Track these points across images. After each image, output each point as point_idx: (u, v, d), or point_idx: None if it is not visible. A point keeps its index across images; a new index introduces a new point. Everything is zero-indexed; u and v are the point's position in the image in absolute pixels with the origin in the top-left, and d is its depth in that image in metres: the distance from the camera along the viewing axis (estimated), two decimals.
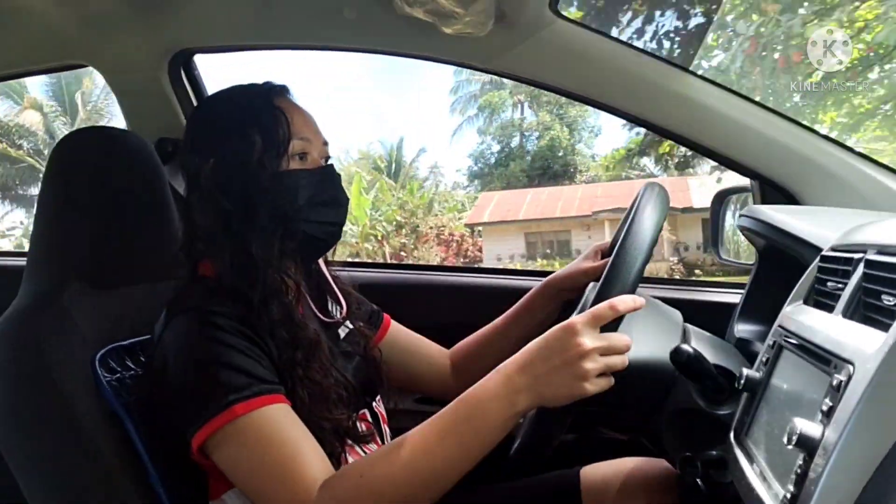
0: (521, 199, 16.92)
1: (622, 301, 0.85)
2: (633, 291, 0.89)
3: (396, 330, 1.31)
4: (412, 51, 1.42)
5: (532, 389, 0.85)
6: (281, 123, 1.01)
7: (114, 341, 1.06)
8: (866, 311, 0.63)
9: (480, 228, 16.69)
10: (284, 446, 0.88)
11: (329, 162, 1.09)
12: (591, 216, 15.05)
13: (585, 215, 15.18)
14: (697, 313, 1.11)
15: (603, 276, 0.92)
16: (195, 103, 1.52)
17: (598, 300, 0.88)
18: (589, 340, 0.84)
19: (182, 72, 1.49)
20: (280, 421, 0.90)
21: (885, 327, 0.55)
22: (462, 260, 15.78)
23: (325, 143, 1.08)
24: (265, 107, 1.03)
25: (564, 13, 1.31)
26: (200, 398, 0.90)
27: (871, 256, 0.64)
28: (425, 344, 1.32)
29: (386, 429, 1.16)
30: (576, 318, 0.86)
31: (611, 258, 0.93)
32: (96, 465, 0.97)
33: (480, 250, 16.40)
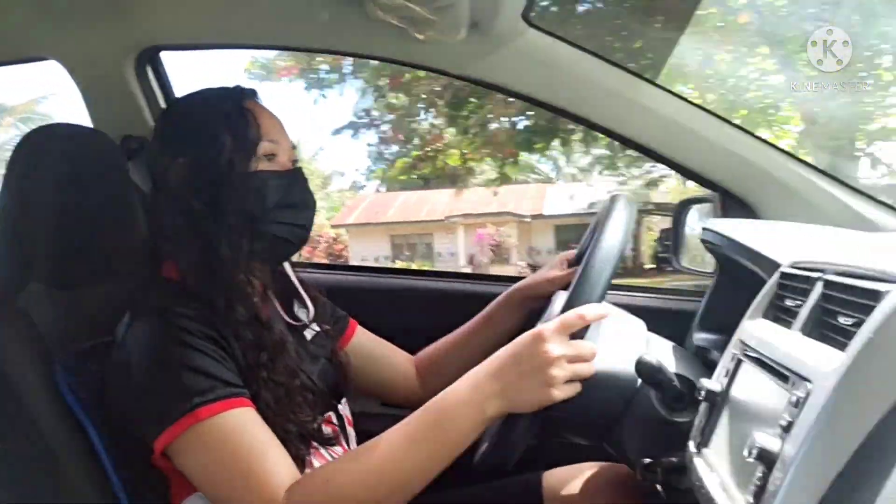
0: (392, 202, 17.20)
1: (590, 310, 0.88)
2: (600, 301, 0.91)
3: (362, 335, 1.31)
4: (384, 54, 1.43)
5: (501, 395, 0.87)
6: (251, 125, 1.02)
7: (75, 343, 1.04)
8: (824, 329, 0.66)
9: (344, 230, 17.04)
10: (249, 451, 0.87)
11: (297, 164, 1.09)
12: (444, 220, 15.45)
13: (441, 220, 15.53)
14: (658, 320, 1.14)
15: (572, 285, 0.93)
16: (161, 101, 1.49)
17: (566, 308, 0.90)
18: (557, 348, 0.86)
19: (149, 69, 1.47)
20: (245, 425, 0.89)
21: (841, 346, 0.57)
22: (329, 259, 15.91)
23: (294, 147, 1.09)
24: (235, 109, 1.03)
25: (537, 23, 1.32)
26: (164, 401, 0.89)
27: (830, 277, 0.67)
28: (391, 350, 1.33)
29: (351, 431, 1.16)
30: (545, 326, 0.88)
31: (579, 268, 0.95)
32: (56, 469, 0.95)
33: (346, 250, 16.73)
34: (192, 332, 0.92)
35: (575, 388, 0.88)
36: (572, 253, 1.28)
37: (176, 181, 1.01)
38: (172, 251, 1.03)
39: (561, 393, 0.86)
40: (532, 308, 1.27)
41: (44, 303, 1.04)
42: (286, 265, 1.19)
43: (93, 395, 1.02)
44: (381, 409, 1.61)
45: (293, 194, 1.05)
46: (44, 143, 1.09)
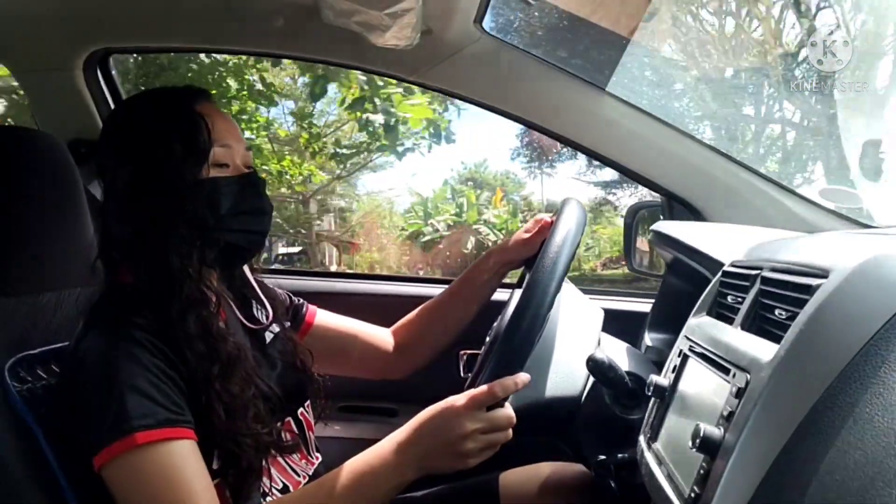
0: None
1: (502, 387, 0.89)
2: (521, 365, 0.91)
3: (327, 319, 1.30)
4: (339, 59, 1.43)
5: (419, 464, 0.90)
6: (201, 130, 0.99)
7: (24, 350, 1.01)
8: (762, 323, 0.69)
9: None
10: (179, 487, 0.86)
11: (251, 169, 1.06)
12: None
13: None
14: (612, 322, 1.17)
15: (493, 353, 0.94)
16: (111, 104, 1.46)
17: (486, 376, 0.91)
18: (469, 423, 0.88)
19: (98, 71, 1.44)
20: (179, 458, 0.87)
21: (777, 338, 0.60)
22: None
23: (248, 149, 1.06)
24: (186, 112, 1.00)
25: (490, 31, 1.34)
26: (105, 421, 0.86)
27: (766, 273, 0.70)
28: (362, 326, 1.32)
29: (311, 435, 1.15)
30: (456, 401, 0.90)
31: (503, 330, 0.94)
32: (4, 476, 0.93)
33: None
34: (144, 345, 0.90)
35: (491, 452, 0.90)
36: (547, 216, 1.23)
37: (125, 188, 0.97)
38: (123, 259, 1.00)
39: (475, 460, 0.89)
40: (507, 270, 1.27)
41: None
42: (244, 268, 1.17)
43: (44, 402, 0.99)
44: (339, 415, 1.62)
45: (246, 200, 1.02)
46: None
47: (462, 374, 1.60)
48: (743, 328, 0.71)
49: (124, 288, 0.99)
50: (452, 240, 10.91)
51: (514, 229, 5.53)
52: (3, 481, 0.92)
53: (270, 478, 1.01)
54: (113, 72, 1.50)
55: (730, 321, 0.76)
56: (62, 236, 1.09)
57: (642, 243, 1.59)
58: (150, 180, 0.97)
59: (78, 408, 0.90)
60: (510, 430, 0.90)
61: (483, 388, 0.89)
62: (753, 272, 0.74)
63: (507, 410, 0.90)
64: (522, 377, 0.90)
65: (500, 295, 1.28)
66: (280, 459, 1.04)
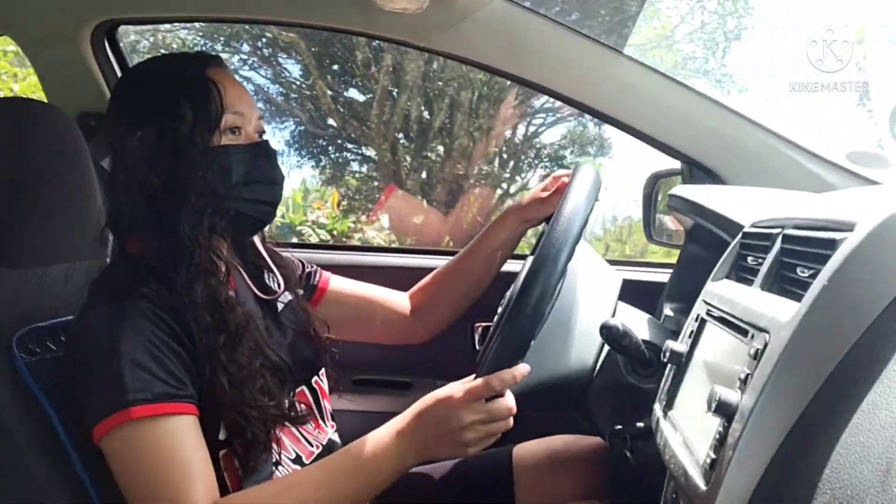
0: None
1: (500, 380, 0.87)
2: (522, 355, 0.90)
3: (341, 284, 1.28)
4: (348, 26, 1.40)
5: (418, 451, 0.90)
6: (213, 96, 0.97)
7: (34, 322, 1.01)
8: (783, 283, 0.66)
9: None
10: (174, 462, 0.85)
11: (263, 137, 1.05)
12: None
13: None
14: (630, 292, 1.14)
15: (494, 340, 0.91)
16: (119, 76, 1.45)
17: (486, 366, 0.89)
18: (467, 415, 0.87)
19: (106, 43, 1.43)
20: (175, 434, 0.87)
21: (798, 297, 0.57)
22: None
23: (261, 118, 1.04)
24: (197, 78, 0.98)
25: None
26: (103, 392, 0.87)
27: (788, 231, 0.67)
28: (379, 291, 1.30)
29: (326, 404, 1.14)
30: (454, 392, 0.88)
31: (496, 335, 0.92)
32: (12, 447, 0.93)
33: None
34: (148, 317, 0.89)
35: (491, 440, 0.90)
36: (566, 172, 1.20)
37: (133, 155, 0.95)
38: (132, 229, 0.99)
39: (474, 449, 0.89)
40: (525, 228, 1.25)
41: (0, 281, 1.00)
42: (255, 238, 1.16)
43: (51, 374, 0.99)
44: (354, 388, 1.61)
45: (258, 169, 1.00)
46: None
47: (477, 347, 1.58)
48: (763, 289, 0.68)
49: (132, 259, 0.99)
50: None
51: (345, 229, 5.48)
52: (11, 452, 0.93)
53: (283, 447, 1.00)
54: (121, 44, 1.48)
55: (750, 283, 0.73)
56: (70, 208, 1.08)
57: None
58: (160, 147, 0.95)
59: (79, 378, 0.90)
60: (510, 420, 0.89)
61: (480, 380, 0.87)
62: (775, 231, 0.70)
63: (507, 400, 0.89)
64: (521, 370, 0.88)
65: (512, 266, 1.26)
66: (293, 429, 1.04)
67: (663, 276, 1.53)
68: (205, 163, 0.95)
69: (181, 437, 0.87)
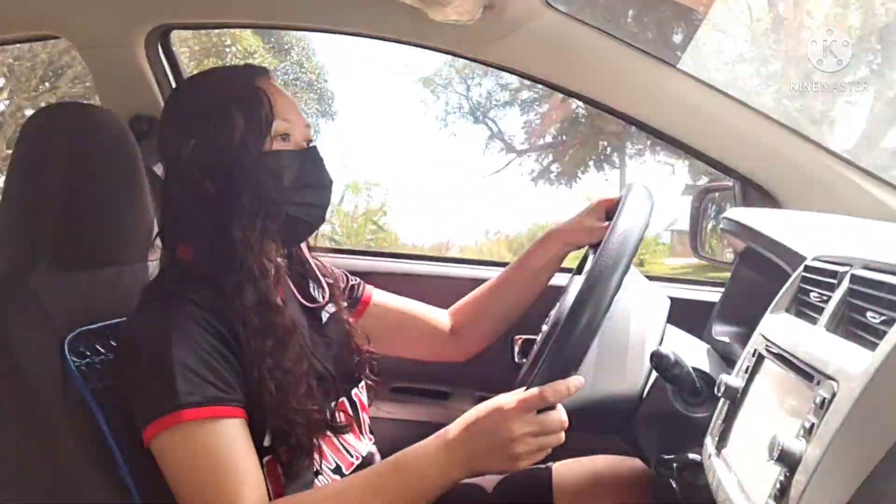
0: None
1: (554, 391, 0.85)
2: (576, 367, 0.87)
3: (384, 298, 1.29)
4: (399, 36, 1.39)
5: (466, 464, 0.88)
6: (263, 104, 1.00)
7: (84, 325, 1.03)
8: (850, 326, 0.63)
9: None
10: (224, 465, 0.87)
11: (312, 144, 1.07)
12: None
13: None
14: (677, 311, 1.11)
15: (547, 352, 0.89)
16: (172, 80, 1.47)
17: (539, 378, 0.87)
18: (518, 426, 0.85)
19: (159, 48, 1.45)
20: (225, 436, 0.88)
21: (869, 345, 0.54)
22: None
23: (307, 126, 1.06)
24: (247, 87, 1.01)
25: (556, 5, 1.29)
26: (154, 395, 0.88)
27: (857, 271, 0.64)
28: (420, 307, 1.31)
29: (364, 416, 1.15)
30: (505, 403, 0.87)
31: (549, 349, 0.89)
32: (61, 452, 0.95)
33: None
34: (198, 321, 0.91)
35: (543, 454, 0.88)
36: (613, 200, 1.18)
37: (187, 162, 0.99)
38: (186, 233, 1.02)
39: (525, 463, 0.87)
40: (567, 252, 1.24)
41: (53, 283, 1.02)
42: (302, 246, 1.17)
43: (101, 377, 1.01)
44: (392, 396, 1.61)
45: (308, 174, 1.03)
46: (51, 121, 1.08)
47: (516, 360, 1.57)
48: (828, 329, 0.65)
49: (182, 264, 1.01)
50: None
51: None
52: (59, 455, 0.94)
53: (323, 456, 1.01)
54: (174, 49, 1.50)
55: (812, 321, 0.70)
56: (122, 212, 1.10)
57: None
58: (212, 154, 0.98)
59: (130, 382, 0.92)
60: (563, 434, 0.87)
61: (534, 391, 0.86)
62: (842, 269, 0.67)
63: (559, 413, 0.87)
64: (576, 381, 0.86)
65: (559, 280, 1.24)
66: (333, 439, 1.04)
67: (708, 295, 1.50)
68: (257, 167, 0.98)
69: (231, 440, 0.89)
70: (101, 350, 1.04)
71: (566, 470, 1.21)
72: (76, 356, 1.00)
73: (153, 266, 1.18)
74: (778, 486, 0.57)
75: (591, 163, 13.85)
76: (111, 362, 1.03)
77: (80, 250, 1.07)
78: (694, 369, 0.96)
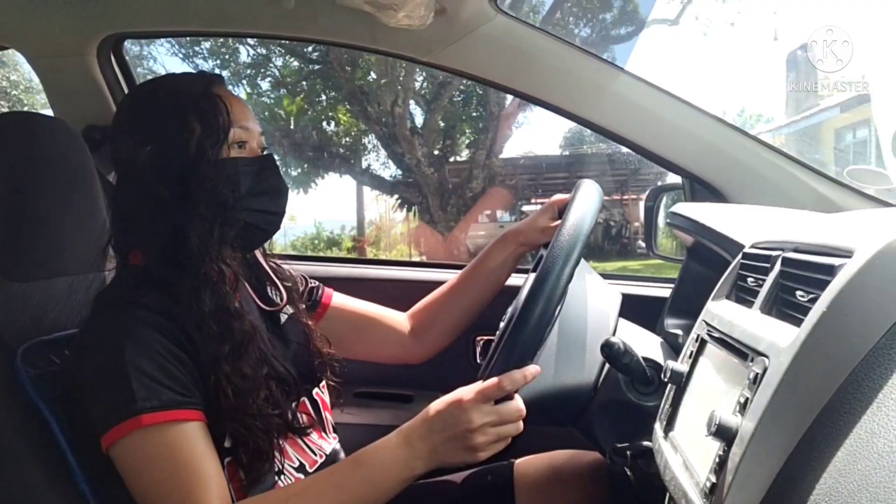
0: None
1: (511, 380, 0.88)
2: (532, 357, 0.90)
3: (343, 301, 1.30)
4: (351, 41, 1.41)
5: (428, 457, 0.90)
6: (221, 111, 0.99)
7: (36, 335, 1.02)
8: (782, 306, 0.66)
9: None
10: (186, 468, 0.87)
11: (266, 151, 1.07)
12: None
13: None
14: (630, 307, 1.14)
15: (503, 345, 0.92)
16: (125, 90, 1.46)
17: (495, 369, 0.90)
18: (477, 417, 0.88)
19: (112, 57, 1.44)
20: (185, 440, 0.88)
21: (798, 322, 0.57)
22: None
23: (262, 133, 1.07)
24: (204, 94, 1.01)
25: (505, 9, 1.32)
26: (111, 402, 0.88)
27: (788, 254, 0.67)
28: (380, 310, 1.32)
29: (327, 416, 1.15)
30: (464, 395, 0.89)
31: (504, 340, 0.93)
32: (16, 462, 0.93)
33: None
34: (152, 326, 0.91)
35: (503, 444, 0.90)
36: (565, 199, 1.18)
37: (143, 169, 0.97)
38: (137, 239, 1.01)
39: (486, 454, 0.90)
40: (523, 252, 1.26)
41: (3, 295, 1.01)
42: (256, 251, 1.17)
43: (54, 387, 1.00)
44: (356, 400, 1.61)
45: (265, 181, 1.03)
46: (2, 130, 1.06)
47: (478, 361, 1.58)
48: (762, 311, 0.68)
49: (134, 270, 1.00)
50: None
51: None
52: (14, 466, 0.93)
53: (286, 456, 1.01)
54: (126, 58, 1.49)
55: (749, 304, 0.73)
56: (75, 222, 1.09)
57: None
58: (169, 161, 0.97)
59: (85, 389, 0.91)
60: (521, 423, 0.90)
61: (491, 381, 0.88)
62: (774, 253, 0.71)
63: (517, 403, 0.89)
64: (532, 370, 0.89)
65: (516, 280, 1.26)
66: (296, 438, 1.04)
67: (660, 291, 1.54)
68: (214, 174, 0.97)
69: (191, 443, 0.88)
70: (56, 360, 1.03)
71: (528, 465, 1.22)
72: (30, 366, 0.99)
73: (109, 277, 1.17)
74: (717, 460, 0.59)
75: None
76: (63, 372, 1.02)
77: (32, 261, 1.05)
78: (645, 359, 0.99)
